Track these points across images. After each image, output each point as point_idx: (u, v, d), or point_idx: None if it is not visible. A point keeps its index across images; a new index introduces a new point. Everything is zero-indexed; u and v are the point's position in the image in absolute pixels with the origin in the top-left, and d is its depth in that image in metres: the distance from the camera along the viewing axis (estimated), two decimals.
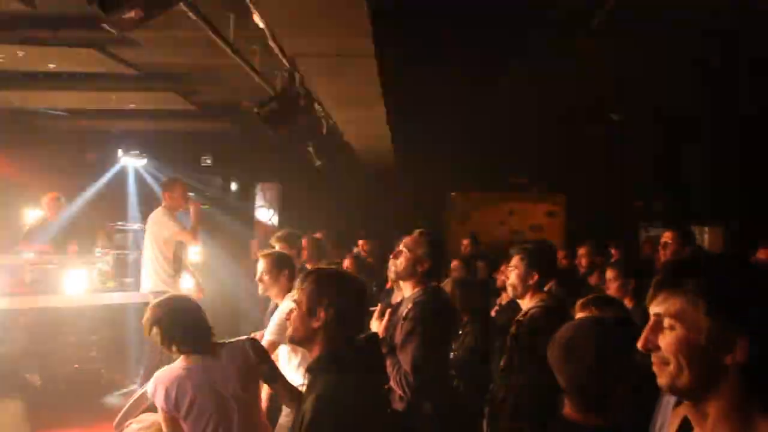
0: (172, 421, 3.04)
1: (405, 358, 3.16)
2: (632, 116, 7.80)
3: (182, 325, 3.12)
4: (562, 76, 6.30)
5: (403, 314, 3.34)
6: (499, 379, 3.55)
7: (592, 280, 5.95)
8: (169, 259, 6.58)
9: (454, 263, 6.49)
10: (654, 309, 1.39)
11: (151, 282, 6.56)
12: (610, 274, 4.65)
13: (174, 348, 3.11)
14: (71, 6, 4.12)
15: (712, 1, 4.15)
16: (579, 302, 3.01)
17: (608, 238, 7.53)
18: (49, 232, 7.45)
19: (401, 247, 3.50)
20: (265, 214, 10.88)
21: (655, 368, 1.38)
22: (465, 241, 8.38)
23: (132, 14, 2.11)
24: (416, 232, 3.51)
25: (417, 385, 3.11)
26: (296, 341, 2.45)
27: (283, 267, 4.18)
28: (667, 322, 1.35)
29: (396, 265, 3.51)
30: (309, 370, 2.39)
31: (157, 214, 6.60)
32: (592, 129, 8.77)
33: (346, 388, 2.23)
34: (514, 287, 3.53)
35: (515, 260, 3.54)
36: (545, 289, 3.76)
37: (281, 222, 10.15)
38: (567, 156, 9.80)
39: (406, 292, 3.46)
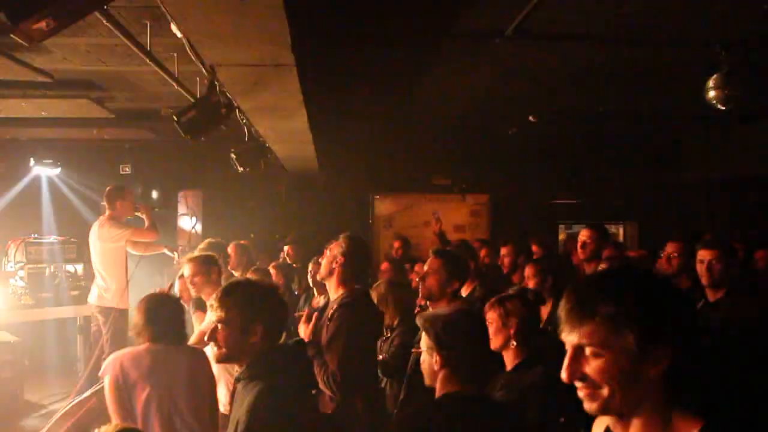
0: (119, 396, 3.12)
1: (332, 358, 3.20)
2: (550, 117, 8.07)
3: (162, 316, 3.32)
4: (479, 81, 6.47)
5: (329, 316, 3.39)
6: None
7: (516, 278, 6.14)
8: (116, 272, 6.54)
9: (384, 265, 6.57)
10: (571, 338, 1.36)
11: (95, 296, 6.52)
12: (529, 270, 4.83)
13: (145, 334, 3.29)
14: None
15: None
16: (487, 304, 3.14)
17: (530, 236, 7.77)
18: None
19: (325, 250, 3.56)
20: (188, 223, 10.66)
21: (583, 395, 1.36)
22: (396, 243, 8.43)
23: (42, 24, 2.05)
24: (341, 235, 3.56)
25: (345, 384, 3.16)
26: (230, 360, 2.46)
27: (211, 265, 4.27)
28: (590, 350, 1.33)
29: (321, 266, 3.57)
30: (238, 379, 2.42)
31: (103, 227, 6.50)
32: (511, 130, 9.02)
33: (277, 394, 2.27)
34: (431, 291, 3.56)
35: (436, 264, 3.58)
36: (464, 292, 3.87)
37: (205, 230, 9.94)
38: (488, 157, 10.06)
39: (331, 294, 3.51)
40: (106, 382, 3.18)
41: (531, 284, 4.60)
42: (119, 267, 6.55)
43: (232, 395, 2.54)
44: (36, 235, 7.68)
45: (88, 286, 7.19)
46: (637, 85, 6.59)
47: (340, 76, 5.64)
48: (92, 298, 6.55)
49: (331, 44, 4.53)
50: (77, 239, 7.65)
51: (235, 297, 2.39)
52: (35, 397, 6.94)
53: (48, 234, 8.37)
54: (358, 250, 3.47)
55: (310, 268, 5.98)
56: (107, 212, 6.68)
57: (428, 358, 2.33)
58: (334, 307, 3.36)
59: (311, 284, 5.96)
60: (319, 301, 5.71)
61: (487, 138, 9.64)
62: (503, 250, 6.74)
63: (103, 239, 6.49)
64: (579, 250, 4.95)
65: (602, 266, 4.41)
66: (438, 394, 2.30)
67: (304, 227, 9.29)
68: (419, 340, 3.44)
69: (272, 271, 6.47)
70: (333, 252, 3.45)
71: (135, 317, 3.40)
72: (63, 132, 8.43)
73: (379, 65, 5.58)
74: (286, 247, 7.71)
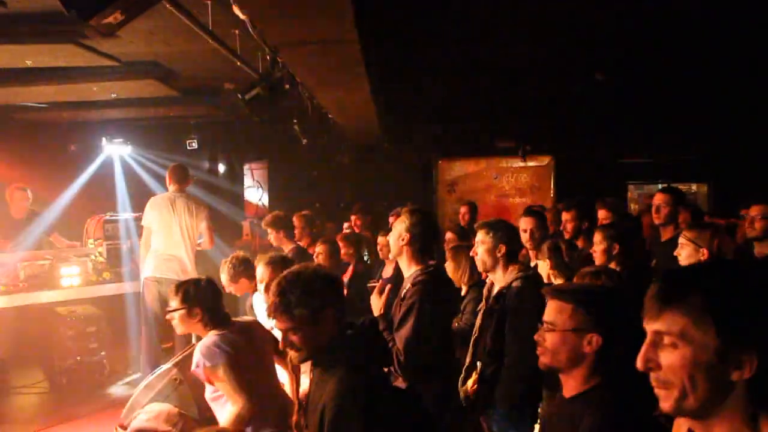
0: (234, 366, 3.18)
1: (399, 340, 3.19)
2: (617, 75, 7.77)
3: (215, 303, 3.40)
4: (544, 37, 6.28)
5: (402, 295, 3.37)
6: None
7: (579, 243, 5.98)
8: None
9: (449, 235, 6.46)
10: (652, 326, 1.30)
11: (178, 269, 6.49)
12: (596, 237, 4.70)
13: (206, 322, 3.35)
14: (46, 2, 4.05)
15: None
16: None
17: (597, 198, 7.56)
18: (20, 231, 7.33)
19: (392, 225, 3.53)
20: (255, 195, 10.87)
21: (657, 391, 1.29)
22: (463, 209, 8.19)
23: (111, 18, 2.09)
24: (404, 209, 3.52)
25: (408, 367, 3.14)
26: (311, 357, 2.40)
27: (241, 268, 4.51)
28: (668, 339, 1.27)
29: (389, 243, 3.54)
30: (316, 364, 2.40)
31: (191, 204, 6.56)
32: (576, 88, 8.74)
33: (359, 377, 2.24)
34: (483, 262, 3.61)
35: (480, 234, 3.61)
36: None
37: (271, 201, 10.12)
38: (552, 117, 9.80)
39: (404, 272, 3.47)
40: (224, 364, 3.22)
41: (598, 251, 4.48)
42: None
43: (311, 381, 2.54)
44: (112, 213, 7.94)
45: None
46: (713, 38, 6.26)
47: (401, 44, 5.56)
48: (173, 271, 6.48)
49: (390, 13, 4.46)
50: None
51: (294, 296, 2.34)
52: (119, 367, 7.26)
53: (122, 211, 8.65)
54: (423, 223, 3.40)
55: (378, 240, 6.00)
56: (181, 189, 6.64)
57: (572, 338, 2.04)
58: (407, 286, 3.33)
59: (380, 255, 5.98)
60: (387, 270, 5.71)
61: (552, 97, 9.38)
62: (566, 215, 6.56)
63: (196, 217, 6.55)
64: (653, 214, 4.79)
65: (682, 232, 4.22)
66: (582, 385, 2.04)
67: (369, 195, 9.32)
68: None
69: (340, 242, 6.49)
70: (397, 229, 3.40)
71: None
72: (132, 111, 8.66)
73: (438, 29, 5.47)
74: (352, 216, 7.74)
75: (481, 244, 3.61)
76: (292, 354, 2.39)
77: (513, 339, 3.43)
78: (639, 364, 1.30)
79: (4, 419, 6.04)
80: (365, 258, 6.94)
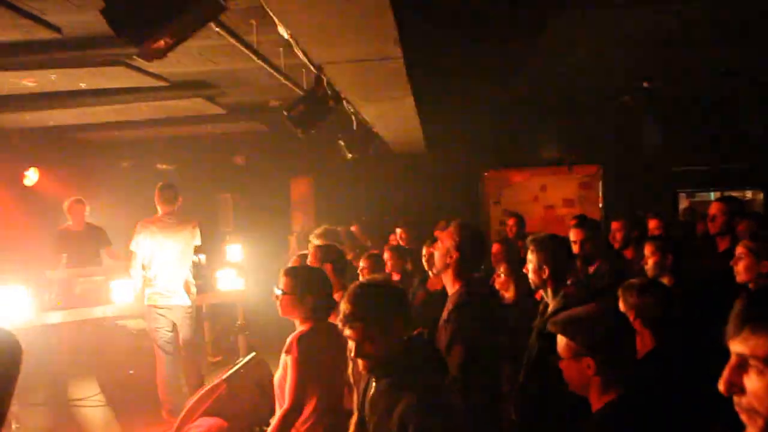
0: (303, 375, 3.13)
1: (452, 363, 3.15)
2: (664, 82, 7.60)
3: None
4: (591, 44, 6.18)
5: (446, 317, 3.32)
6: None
7: (628, 253, 5.84)
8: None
9: (495, 247, 6.39)
10: (736, 347, 1.19)
11: (183, 298, 6.38)
12: (648, 248, 4.57)
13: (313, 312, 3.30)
14: (97, 27, 4.18)
15: None
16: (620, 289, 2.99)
17: (646, 207, 7.39)
18: (79, 242, 7.54)
19: (439, 239, 3.49)
20: (301, 209, 10.96)
21: (742, 417, 1.19)
22: (510, 221, 8.09)
23: (161, 43, 2.14)
24: (452, 223, 3.48)
25: (468, 389, 3.09)
26: (381, 362, 2.41)
27: (324, 262, 4.23)
28: (754, 363, 1.16)
29: (433, 258, 3.51)
30: (375, 376, 2.42)
31: (186, 228, 6.34)
32: (624, 96, 8.58)
33: (431, 405, 2.23)
34: (532, 280, 3.53)
35: (529, 252, 3.53)
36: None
37: (317, 216, 10.19)
38: (598, 126, 9.64)
39: (448, 288, 3.44)
40: (295, 361, 3.19)
41: (650, 263, 4.36)
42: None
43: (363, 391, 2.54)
44: None
45: (210, 276, 7.54)
46: (765, 42, 6.07)
47: (445, 58, 5.55)
48: (181, 299, 6.37)
49: (434, 28, 4.46)
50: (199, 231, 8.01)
51: (369, 303, 2.38)
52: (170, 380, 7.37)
53: None
54: (473, 239, 3.36)
55: (423, 251, 5.97)
56: (170, 210, 6.37)
57: (574, 365, 2.16)
58: (450, 307, 3.29)
59: (426, 267, 5.95)
60: (433, 283, 5.68)
61: (596, 107, 9.23)
62: (614, 225, 6.42)
63: (191, 235, 6.38)
64: (708, 224, 4.65)
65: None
66: (598, 403, 2.14)
67: (415, 208, 9.31)
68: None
69: (386, 254, 6.48)
70: (446, 244, 3.35)
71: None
72: (180, 129, 8.85)
73: (484, 41, 5.44)
74: (398, 230, 7.74)
75: (529, 263, 3.53)
76: (362, 363, 2.41)
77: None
78: (721, 387, 1.19)
79: (59, 429, 6.20)
80: (408, 271, 6.93)
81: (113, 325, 7.35)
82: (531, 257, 3.51)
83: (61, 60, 4.67)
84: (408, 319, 2.43)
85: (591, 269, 4.95)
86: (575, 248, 4.77)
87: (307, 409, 3.21)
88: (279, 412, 3.20)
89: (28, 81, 5.46)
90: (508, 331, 4.20)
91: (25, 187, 8.29)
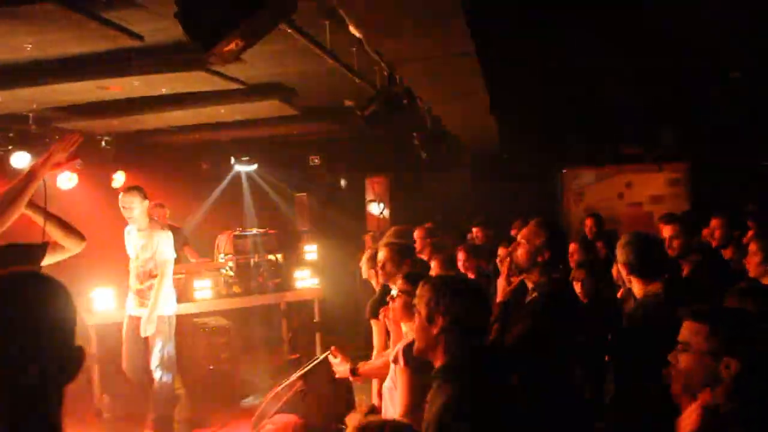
0: (415, 382, 3.07)
1: (521, 360, 3.08)
2: (757, 72, 7.17)
3: None
4: (676, 35, 5.91)
5: (526, 305, 3.27)
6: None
7: (727, 253, 5.54)
8: None
9: (572, 247, 6.22)
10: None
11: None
12: (753, 247, 4.30)
13: None
14: (177, 33, 4.27)
15: None
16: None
17: (739, 206, 6.99)
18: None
19: (519, 238, 3.40)
20: (376, 208, 10.99)
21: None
22: (588, 221, 7.87)
23: (232, 46, 2.16)
24: (535, 221, 3.40)
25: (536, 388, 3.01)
26: (422, 353, 2.44)
27: (404, 257, 4.20)
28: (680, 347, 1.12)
29: (515, 257, 3.41)
30: (434, 376, 2.39)
31: (165, 231, 5.98)
32: (712, 88, 8.15)
33: (469, 397, 2.20)
34: (620, 276, 3.48)
35: (616, 249, 3.47)
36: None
37: (392, 214, 10.20)
38: (686, 119, 9.20)
39: (529, 285, 3.37)
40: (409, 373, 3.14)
41: (753, 263, 4.12)
42: None
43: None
44: (240, 228, 8.28)
45: (288, 274, 7.65)
46: None
47: (520, 52, 5.41)
48: (170, 308, 6.01)
49: (507, 21, 4.35)
50: (276, 230, 8.16)
51: (425, 287, 2.40)
52: (247, 377, 7.54)
53: (250, 226, 9.01)
54: (559, 238, 3.31)
55: (499, 252, 5.86)
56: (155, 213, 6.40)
57: (704, 361, 1.95)
58: (530, 306, 3.22)
59: (499, 268, 5.83)
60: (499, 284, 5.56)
61: (685, 98, 8.80)
62: (714, 222, 6.08)
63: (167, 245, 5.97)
64: None
65: None
66: (719, 406, 1.94)
67: (491, 207, 9.16)
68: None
69: (460, 254, 6.41)
70: (534, 242, 3.28)
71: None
72: (257, 131, 9.01)
73: (558, 33, 5.27)
74: (474, 229, 7.64)
75: (618, 259, 3.47)
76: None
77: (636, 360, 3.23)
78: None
79: (144, 420, 6.44)
80: (483, 270, 6.83)
81: (193, 322, 7.56)
82: (618, 253, 3.44)
83: (144, 67, 4.83)
84: (484, 318, 2.39)
85: (685, 268, 4.73)
86: (667, 246, 4.58)
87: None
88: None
89: (113, 88, 5.68)
90: (584, 332, 4.08)
91: (113, 189, 8.65)
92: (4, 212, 2.91)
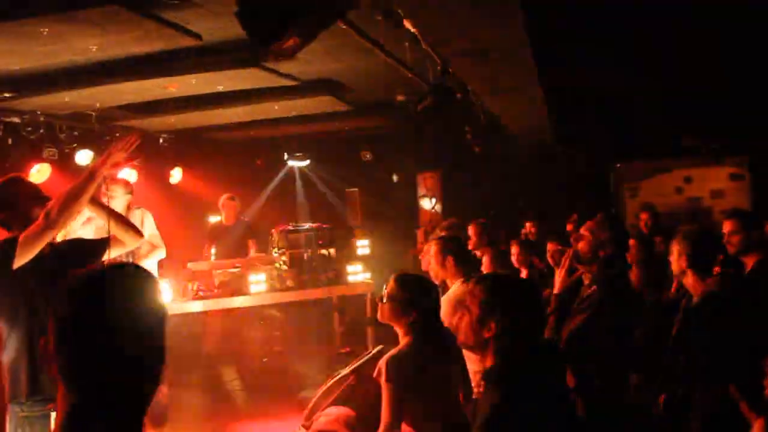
0: (398, 398, 3.04)
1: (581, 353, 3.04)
2: None
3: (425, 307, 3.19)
4: (736, 20, 5.71)
5: (584, 306, 3.22)
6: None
7: None
8: None
9: (629, 241, 6.08)
10: None
11: None
12: None
13: (413, 327, 3.16)
14: (233, 32, 4.37)
15: None
16: None
17: None
18: (229, 235, 7.97)
19: (582, 231, 3.36)
20: (428, 203, 10.98)
21: None
22: (644, 215, 7.68)
23: (290, 43, 2.19)
24: (599, 216, 3.35)
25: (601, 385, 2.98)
26: (466, 347, 2.42)
27: (447, 253, 4.10)
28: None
29: (577, 250, 3.37)
30: (483, 378, 2.35)
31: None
32: None
33: (520, 400, 2.15)
34: (676, 271, 3.33)
35: (674, 243, 3.35)
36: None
37: (445, 210, 10.17)
38: (748, 110, 8.87)
39: (585, 278, 3.33)
40: (390, 388, 3.07)
41: None
42: None
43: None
44: (294, 223, 8.38)
45: (340, 269, 7.72)
46: None
47: (573, 41, 5.31)
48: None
49: (561, 11, 4.28)
50: (329, 225, 8.23)
51: (481, 287, 2.32)
52: (300, 369, 7.64)
53: (303, 221, 9.12)
54: (623, 235, 3.27)
55: (548, 247, 5.79)
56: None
57: None
58: (590, 302, 3.18)
59: (551, 263, 5.77)
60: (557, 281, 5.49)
61: (747, 88, 8.48)
62: None
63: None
64: None
65: None
66: None
67: (543, 201, 9.04)
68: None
69: (513, 249, 6.35)
70: (598, 236, 3.23)
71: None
72: (310, 127, 9.11)
73: (613, 21, 5.15)
74: (527, 224, 7.57)
75: (673, 252, 3.35)
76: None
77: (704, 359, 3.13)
78: None
79: (204, 410, 6.62)
80: (535, 266, 6.75)
81: (248, 315, 7.72)
82: (676, 247, 3.33)
83: (201, 65, 4.95)
84: (515, 324, 2.27)
85: (748, 265, 4.58)
86: (725, 241, 4.44)
87: (405, 428, 3.12)
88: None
89: (171, 87, 5.84)
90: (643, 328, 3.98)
91: (171, 185, 8.88)
92: (66, 210, 3.02)
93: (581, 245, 3.35)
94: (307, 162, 10.26)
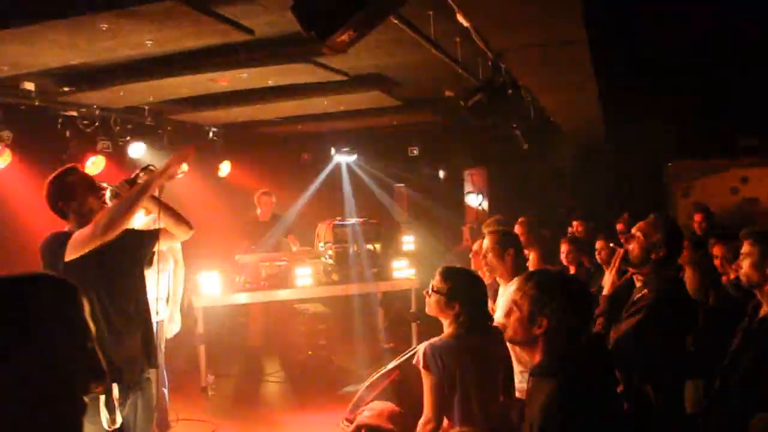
0: (438, 387, 3.06)
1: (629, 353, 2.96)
2: None
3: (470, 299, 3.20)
4: None
5: (636, 308, 3.13)
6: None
7: None
8: None
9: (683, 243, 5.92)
10: None
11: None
12: None
13: (457, 319, 3.18)
14: (285, 26, 4.40)
15: None
16: None
17: None
18: (265, 230, 8.02)
19: (634, 231, 3.26)
20: (475, 200, 10.91)
21: None
22: (697, 217, 7.46)
23: (345, 36, 2.19)
24: (654, 215, 3.24)
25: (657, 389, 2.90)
26: (515, 343, 2.43)
27: (508, 246, 3.99)
28: None
29: (629, 251, 3.27)
30: (531, 374, 2.35)
31: None
32: None
33: (571, 394, 2.15)
34: (747, 276, 3.07)
35: (746, 245, 3.10)
36: None
37: (491, 206, 10.09)
38: None
39: (639, 283, 3.23)
40: (431, 377, 3.10)
41: None
42: None
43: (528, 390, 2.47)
44: (340, 218, 8.42)
45: (385, 264, 7.72)
46: None
47: (629, 37, 5.19)
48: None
49: (619, 6, 4.19)
50: (375, 220, 8.24)
51: (532, 284, 2.33)
52: (344, 363, 7.69)
53: (349, 216, 9.16)
54: (677, 236, 3.14)
55: (597, 246, 5.69)
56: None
57: None
58: (645, 298, 3.09)
59: (600, 262, 5.68)
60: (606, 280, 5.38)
61: None
62: None
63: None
64: None
65: None
66: None
67: (592, 200, 8.89)
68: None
69: (563, 246, 6.25)
70: (650, 238, 3.13)
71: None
72: (357, 122, 9.12)
73: (671, 14, 5.02)
74: (574, 222, 7.45)
75: (747, 257, 3.09)
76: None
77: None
78: None
79: (247, 400, 6.71)
80: (584, 264, 6.64)
81: (294, 308, 7.79)
82: (752, 250, 3.07)
83: (253, 60, 5.00)
84: (564, 322, 2.27)
85: None
86: None
87: (446, 421, 3.10)
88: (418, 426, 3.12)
89: (222, 81, 5.92)
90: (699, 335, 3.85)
91: (219, 178, 9.01)
92: (117, 221, 3.09)
93: (632, 246, 3.25)
94: (354, 157, 10.30)
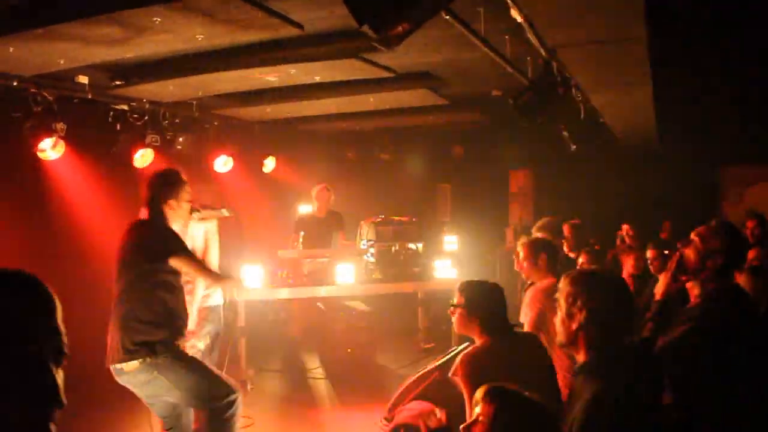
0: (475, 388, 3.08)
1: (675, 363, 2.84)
2: None
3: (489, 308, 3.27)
4: None
5: (687, 316, 3.01)
6: None
7: None
8: None
9: None
10: None
11: None
12: None
13: (483, 330, 3.25)
14: (335, 22, 4.39)
15: None
16: None
17: None
18: (318, 226, 8.04)
19: (692, 236, 3.14)
20: (519, 201, 10.80)
21: None
22: (750, 223, 7.20)
23: (399, 30, 2.16)
24: (713, 221, 3.12)
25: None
26: (562, 346, 2.42)
27: (539, 251, 4.17)
28: None
29: (685, 256, 3.15)
30: (575, 374, 2.36)
31: None
32: None
33: (614, 394, 2.14)
34: None
35: None
36: None
37: (536, 209, 9.94)
38: None
39: (693, 293, 3.10)
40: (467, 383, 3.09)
41: None
42: None
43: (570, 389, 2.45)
44: (383, 216, 8.39)
45: (427, 264, 7.67)
46: None
47: (689, 39, 5.03)
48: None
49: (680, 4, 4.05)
50: (418, 219, 8.19)
51: (565, 281, 2.37)
52: (384, 362, 7.66)
53: (392, 215, 9.12)
54: (738, 245, 3.01)
55: (648, 254, 5.57)
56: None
57: None
58: (695, 308, 2.98)
59: (651, 269, 5.54)
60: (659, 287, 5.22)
61: None
62: None
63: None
64: None
65: None
66: None
67: (641, 204, 8.68)
68: None
69: (649, 253, 6.05)
70: (708, 245, 3.00)
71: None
72: (403, 120, 9.08)
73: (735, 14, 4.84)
74: (624, 227, 7.30)
75: None
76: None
77: None
78: None
79: (286, 396, 6.73)
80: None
81: (336, 305, 7.79)
82: None
83: (302, 55, 5.00)
84: (601, 316, 2.27)
85: None
86: None
87: None
88: None
89: (270, 77, 5.93)
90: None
91: (264, 174, 9.07)
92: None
93: (688, 251, 3.12)
94: (398, 155, 10.27)
